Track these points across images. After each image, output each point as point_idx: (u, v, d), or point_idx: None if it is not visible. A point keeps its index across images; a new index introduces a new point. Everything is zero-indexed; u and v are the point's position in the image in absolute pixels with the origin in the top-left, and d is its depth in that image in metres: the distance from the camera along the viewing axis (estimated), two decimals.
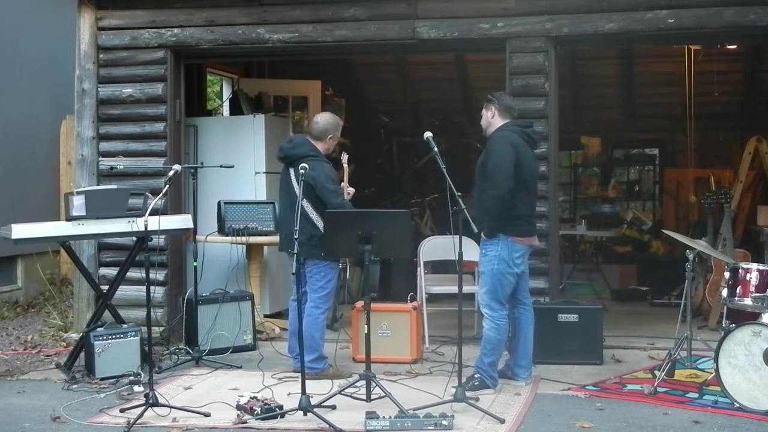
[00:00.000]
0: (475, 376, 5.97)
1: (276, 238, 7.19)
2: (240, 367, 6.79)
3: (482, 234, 5.93)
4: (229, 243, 7.67)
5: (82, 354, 6.60)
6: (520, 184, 5.82)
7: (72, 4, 7.94)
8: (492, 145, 5.93)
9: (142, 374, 6.15)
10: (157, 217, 5.93)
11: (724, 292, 5.98)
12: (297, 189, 5.95)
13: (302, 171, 5.83)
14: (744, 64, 11.48)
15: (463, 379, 5.64)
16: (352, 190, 6.53)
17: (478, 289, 6.28)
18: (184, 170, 7.21)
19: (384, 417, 5.10)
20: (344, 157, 6.77)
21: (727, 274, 6.03)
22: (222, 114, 11.06)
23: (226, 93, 11.09)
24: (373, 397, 5.59)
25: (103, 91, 7.87)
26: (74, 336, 7.63)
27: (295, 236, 5.44)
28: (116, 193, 6.81)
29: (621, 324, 7.97)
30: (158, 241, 6.37)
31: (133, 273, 7.16)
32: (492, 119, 6.13)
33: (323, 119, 6.49)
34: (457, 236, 5.53)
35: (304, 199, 6.07)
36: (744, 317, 6.03)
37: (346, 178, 6.63)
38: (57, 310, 9.07)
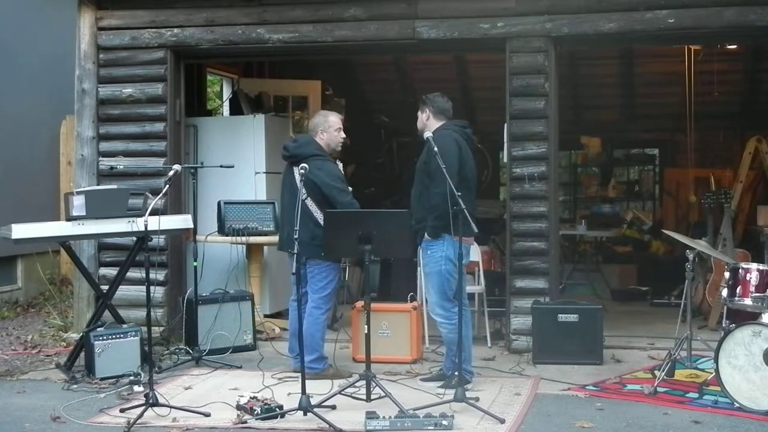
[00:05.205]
0: (453, 375, 5.92)
1: (276, 238, 7.19)
2: (240, 367, 6.79)
3: (425, 234, 5.95)
4: (229, 243, 7.68)
5: (82, 354, 6.60)
6: (462, 183, 5.82)
7: (72, 4, 7.94)
8: (435, 144, 5.82)
9: (142, 374, 6.14)
10: (157, 217, 5.93)
11: (724, 292, 5.99)
12: (300, 188, 5.95)
13: (302, 171, 5.85)
14: (744, 64, 11.48)
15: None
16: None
17: (430, 296, 6.19)
18: (184, 170, 7.21)
19: (384, 417, 5.10)
20: (339, 165, 6.79)
21: (727, 274, 6.03)
22: (222, 114, 11.06)
23: (226, 93, 11.09)
24: (373, 397, 5.59)
25: (103, 91, 7.87)
26: (74, 336, 7.64)
27: (295, 236, 5.44)
28: (116, 193, 6.81)
29: (621, 324, 7.97)
30: (158, 241, 6.36)
31: (133, 273, 7.16)
32: (427, 121, 6.16)
33: (312, 119, 6.73)
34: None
35: (309, 198, 6.09)
36: (744, 317, 6.03)
37: None
38: (57, 310, 9.07)
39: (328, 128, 6.45)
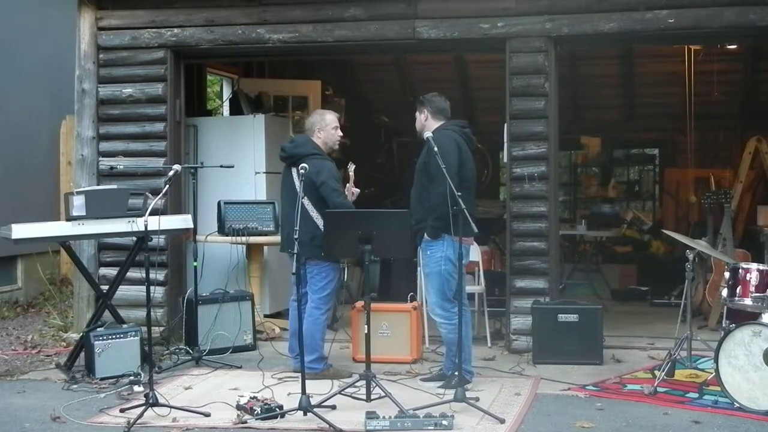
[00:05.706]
0: (453, 375, 5.91)
1: (276, 238, 7.19)
2: (240, 367, 6.79)
3: (425, 235, 5.95)
4: (229, 243, 7.68)
5: (82, 354, 6.60)
6: (462, 183, 5.82)
7: (72, 4, 7.94)
8: (435, 144, 5.80)
9: (142, 374, 6.14)
10: (157, 217, 5.92)
11: (724, 292, 5.98)
12: (299, 188, 5.95)
13: (302, 171, 5.85)
14: (744, 64, 11.48)
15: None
16: (356, 190, 6.58)
17: (429, 296, 6.18)
18: (184, 170, 7.21)
19: (384, 417, 5.10)
20: (351, 167, 6.74)
21: (727, 274, 6.03)
22: (222, 114, 11.06)
23: (226, 93, 11.09)
24: (373, 397, 5.59)
25: (103, 91, 7.87)
26: (74, 336, 7.64)
27: (295, 236, 5.45)
28: (116, 193, 6.81)
29: (621, 324, 7.97)
30: (158, 241, 6.36)
31: (133, 273, 7.16)
32: (426, 122, 6.15)
33: (309, 118, 6.70)
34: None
35: (305, 198, 6.08)
36: (744, 317, 6.03)
37: (351, 182, 6.65)
38: (57, 310, 9.07)
39: (325, 127, 6.44)
